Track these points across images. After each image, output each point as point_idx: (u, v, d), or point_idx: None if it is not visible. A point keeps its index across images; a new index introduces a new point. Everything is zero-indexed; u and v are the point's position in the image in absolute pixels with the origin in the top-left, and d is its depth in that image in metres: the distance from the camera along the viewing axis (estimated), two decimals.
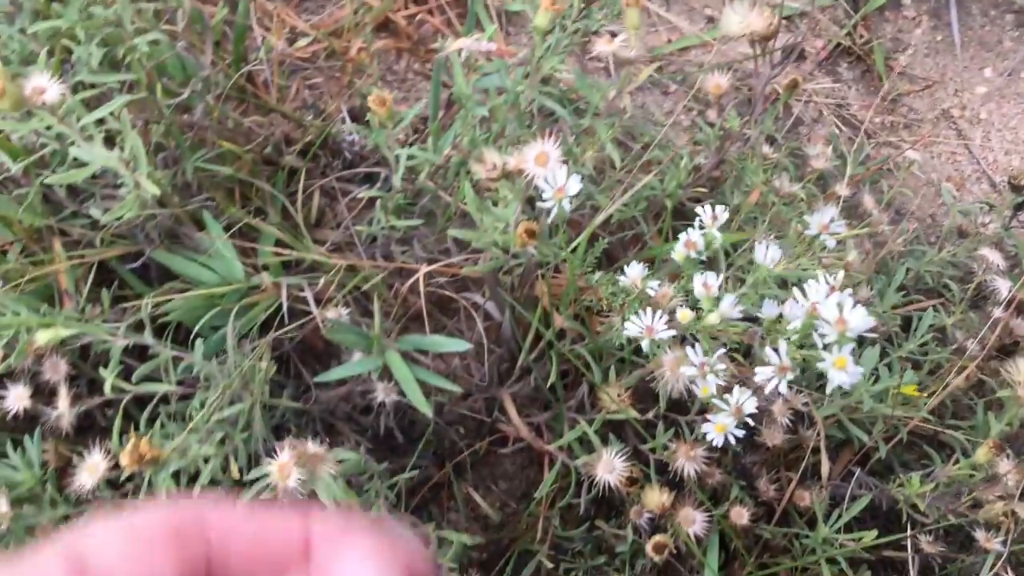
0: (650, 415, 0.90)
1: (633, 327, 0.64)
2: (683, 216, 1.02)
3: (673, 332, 0.65)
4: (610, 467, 0.82)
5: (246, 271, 0.89)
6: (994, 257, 1.01)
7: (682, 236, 0.65)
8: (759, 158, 1.01)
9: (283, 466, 0.64)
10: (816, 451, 0.91)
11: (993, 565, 0.85)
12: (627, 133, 1.10)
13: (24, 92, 0.62)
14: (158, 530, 0.33)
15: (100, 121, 0.74)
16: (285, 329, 0.88)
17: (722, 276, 0.68)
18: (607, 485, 0.88)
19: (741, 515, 0.84)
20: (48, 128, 0.72)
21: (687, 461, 0.84)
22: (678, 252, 0.67)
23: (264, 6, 1.11)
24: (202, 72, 0.87)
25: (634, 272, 0.73)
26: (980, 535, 0.87)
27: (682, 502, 0.83)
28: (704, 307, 0.64)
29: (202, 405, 0.80)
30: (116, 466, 0.73)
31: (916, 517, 0.90)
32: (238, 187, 0.95)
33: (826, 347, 0.57)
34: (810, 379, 0.97)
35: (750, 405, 0.67)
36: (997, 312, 1.00)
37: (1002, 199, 1.09)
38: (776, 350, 0.60)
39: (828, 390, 0.57)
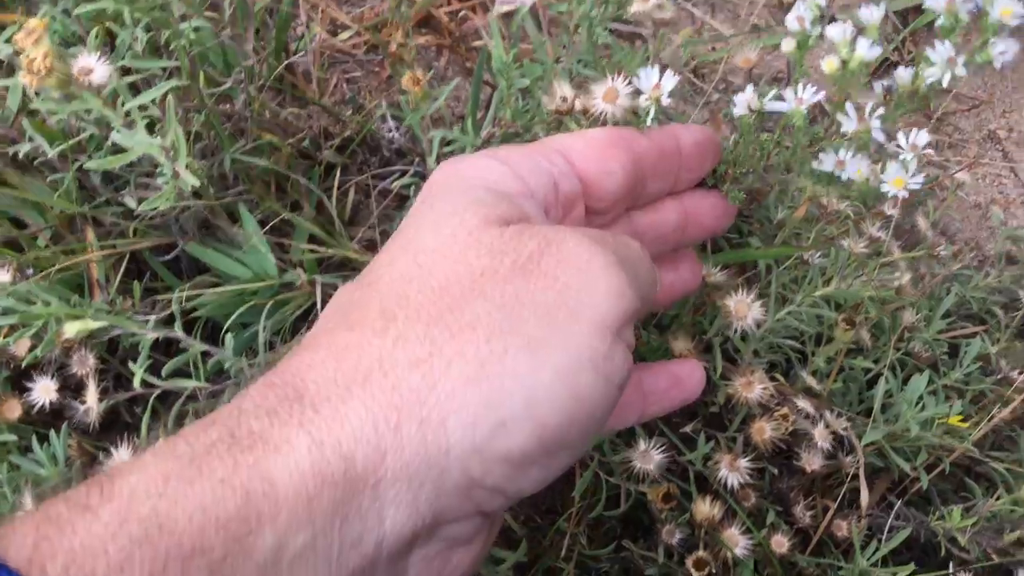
0: (688, 428, 0.88)
1: (783, 104, 0.58)
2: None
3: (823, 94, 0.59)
4: (648, 458, 0.80)
5: (279, 267, 0.87)
6: None
7: (791, 13, 0.58)
8: (807, 171, 0.98)
9: None
10: (854, 478, 0.88)
11: None
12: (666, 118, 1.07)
13: (72, 72, 0.60)
14: (606, 137, 0.51)
15: (142, 107, 0.72)
16: None
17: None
18: (637, 503, 0.86)
19: (781, 544, 0.82)
20: (89, 112, 0.70)
21: (730, 472, 0.81)
22: (790, 27, 0.59)
23: None
24: (245, 61, 0.84)
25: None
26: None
27: (727, 522, 0.81)
28: (842, 53, 0.57)
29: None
30: None
31: (956, 552, 0.87)
32: (274, 181, 0.93)
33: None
34: (852, 402, 0.94)
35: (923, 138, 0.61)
36: None
37: None
38: None
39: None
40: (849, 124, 0.57)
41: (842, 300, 0.88)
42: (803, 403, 0.85)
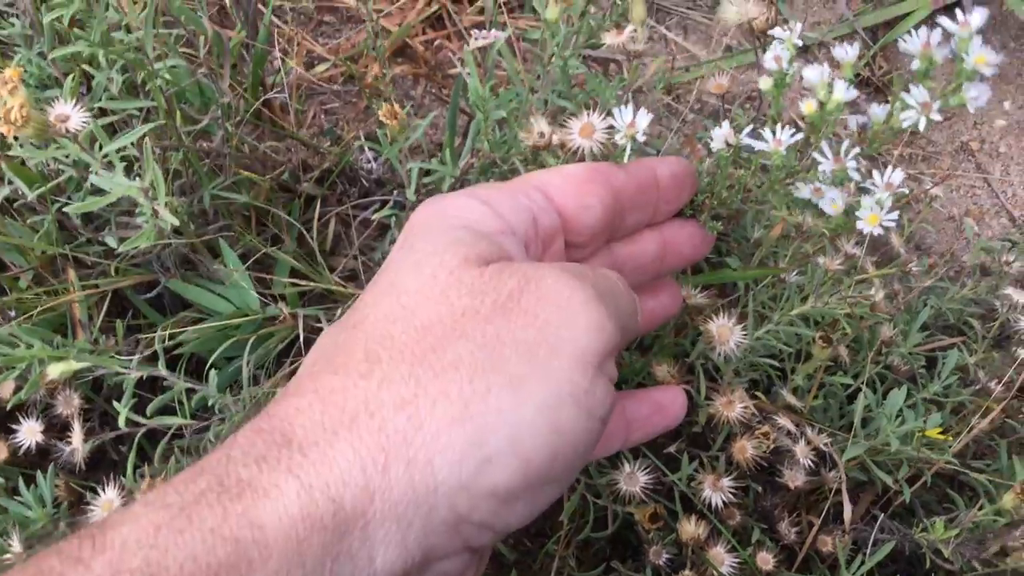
0: (672, 449, 0.88)
1: (762, 143, 0.59)
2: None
3: (801, 134, 0.60)
4: (633, 480, 0.80)
5: (262, 301, 0.87)
6: (1018, 296, 1.00)
7: (768, 53, 0.59)
8: (782, 192, 0.99)
9: None
10: (837, 493, 0.89)
11: None
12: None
13: (48, 119, 0.60)
14: (584, 172, 0.51)
15: (120, 148, 0.72)
16: (301, 360, 0.86)
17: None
18: (625, 524, 0.87)
19: (767, 561, 0.82)
20: (67, 155, 0.71)
21: (713, 492, 0.82)
22: (767, 65, 0.59)
23: (282, 30, 1.10)
24: (222, 99, 0.85)
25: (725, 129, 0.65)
26: None
27: (712, 541, 0.81)
28: (820, 95, 0.58)
29: (216, 438, 0.79)
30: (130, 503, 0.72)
31: (940, 563, 0.88)
32: (254, 214, 0.93)
33: None
34: (832, 417, 0.95)
35: (897, 177, 0.62)
36: (1022, 353, 0.98)
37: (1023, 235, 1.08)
38: None
39: None
40: (826, 165, 0.58)
41: (819, 318, 0.89)
42: (784, 420, 0.86)
